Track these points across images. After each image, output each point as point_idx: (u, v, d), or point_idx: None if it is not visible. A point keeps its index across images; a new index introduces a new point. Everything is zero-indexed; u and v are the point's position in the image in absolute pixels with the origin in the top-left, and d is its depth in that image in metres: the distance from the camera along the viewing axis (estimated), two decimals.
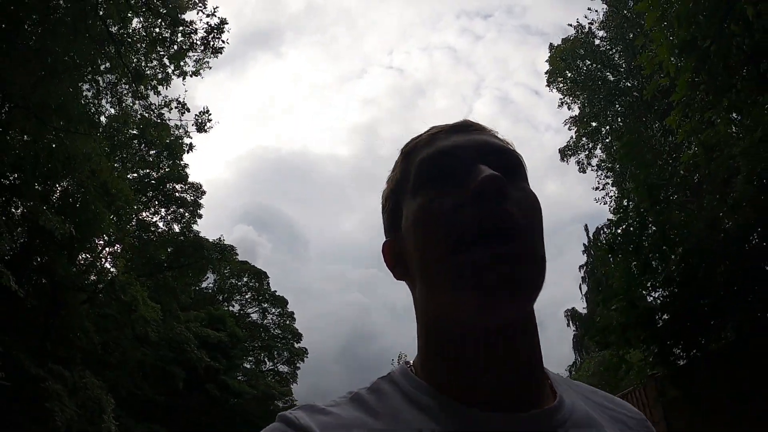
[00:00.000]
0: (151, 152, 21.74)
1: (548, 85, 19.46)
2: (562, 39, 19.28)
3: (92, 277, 18.38)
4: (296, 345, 33.13)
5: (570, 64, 18.60)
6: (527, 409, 0.60)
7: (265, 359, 33.11)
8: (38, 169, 14.71)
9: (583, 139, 19.39)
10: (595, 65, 18.47)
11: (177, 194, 22.33)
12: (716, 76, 5.97)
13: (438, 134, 0.69)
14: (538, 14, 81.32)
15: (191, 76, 12.11)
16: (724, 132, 5.87)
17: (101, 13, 11.08)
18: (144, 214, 21.70)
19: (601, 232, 21.28)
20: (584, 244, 28.98)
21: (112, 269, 18.67)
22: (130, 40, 12.72)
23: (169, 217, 22.60)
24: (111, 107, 14.58)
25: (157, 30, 11.80)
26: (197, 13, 11.91)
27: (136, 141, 20.83)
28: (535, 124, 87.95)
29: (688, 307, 5.14)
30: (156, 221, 22.21)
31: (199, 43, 11.29)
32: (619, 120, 17.56)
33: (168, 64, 11.90)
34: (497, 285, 0.56)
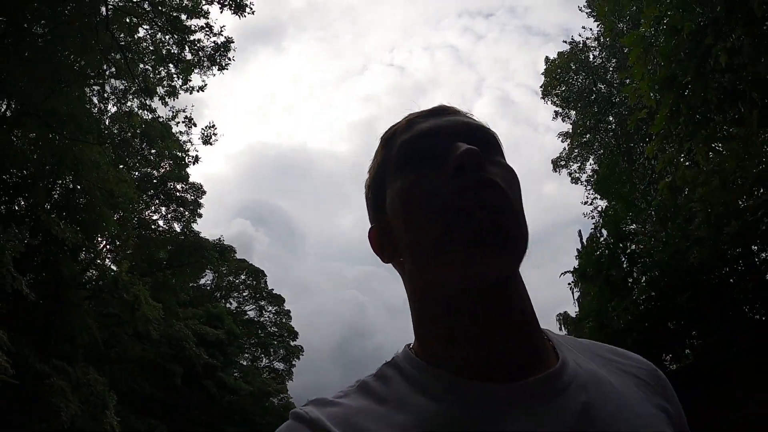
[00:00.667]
0: (152, 151, 22.07)
1: (543, 98, 19.89)
2: (558, 53, 19.69)
3: (92, 272, 18.63)
4: (292, 343, 33.57)
5: (563, 78, 18.96)
6: (529, 374, 0.60)
7: (262, 356, 33.58)
8: (44, 170, 15.03)
9: (576, 150, 19.74)
10: (588, 79, 18.83)
11: (178, 194, 22.61)
12: (695, 110, 6.41)
13: (416, 119, 0.71)
14: (540, 14, 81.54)
15: (198, 91, 12.48)
16: (700, 167, 6.29)
17: (112, 26, 11.40)
18: (146, 213, 22.05)
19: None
20: (577, 249, 29.44)
21: (113, 267, 19.01)
22: (135, 47, 13.04)
23: (169, 216, 22.95)
24: (113, 106, 14.91)
25: (167, 47, 12.14)
26: (204, 35, 12.26)
27: (137, 140, 21.08)
28: (535, 125, 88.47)
29: (652, 330, 5.65)
30: (156, 219, 22.58)
31: (206, 60, 11.64)
32: (611, 134, 17.88)
33: (176, 77, 12.26)
34: (484, 232, 0.57)
